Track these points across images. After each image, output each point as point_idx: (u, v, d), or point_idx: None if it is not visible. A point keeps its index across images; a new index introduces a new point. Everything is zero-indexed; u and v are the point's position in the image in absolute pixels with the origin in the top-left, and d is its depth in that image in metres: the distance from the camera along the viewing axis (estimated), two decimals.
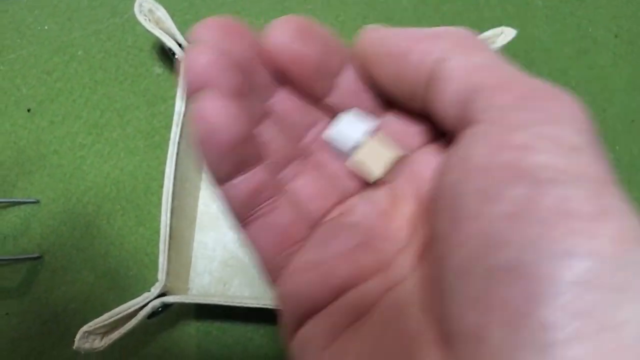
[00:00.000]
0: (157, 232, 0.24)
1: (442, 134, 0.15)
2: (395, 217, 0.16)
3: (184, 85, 0.13)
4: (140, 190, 0.28)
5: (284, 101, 0.16)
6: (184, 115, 0.24)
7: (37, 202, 0.28)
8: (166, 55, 0.30)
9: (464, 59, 0.13)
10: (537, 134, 0.11)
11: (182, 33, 0.26)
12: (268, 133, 0.15)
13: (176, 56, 0.25)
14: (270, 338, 0.26)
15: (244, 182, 0.15)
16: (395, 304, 0.14)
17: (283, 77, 0.15)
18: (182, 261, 0.25)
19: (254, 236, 0.16)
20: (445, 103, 0.13)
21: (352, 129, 0.16)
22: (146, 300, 0.22)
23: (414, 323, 0.13)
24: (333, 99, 0.16)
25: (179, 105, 0.24)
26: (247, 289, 0.26)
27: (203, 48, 0.13)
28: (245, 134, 0.13)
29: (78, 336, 0.22)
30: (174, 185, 0.24)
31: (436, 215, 0.12)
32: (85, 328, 0.22)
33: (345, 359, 0.13)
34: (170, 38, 0.25)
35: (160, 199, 0.24)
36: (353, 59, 0.15)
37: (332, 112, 0.16)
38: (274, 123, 0.16)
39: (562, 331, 0.09)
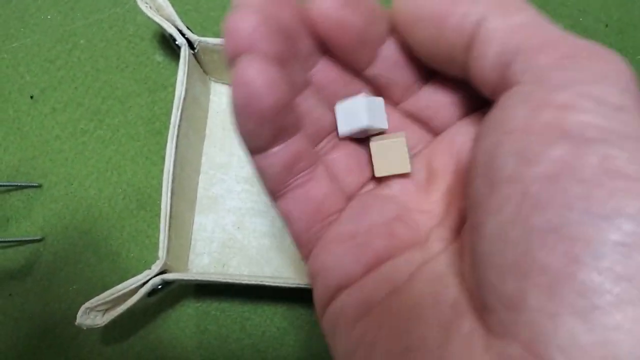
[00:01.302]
0: (158, 215, 0.24)
1: (483, 105, 0.15)
2: (432, 191, 0.15)
3: (225, 49, 0.13)
4: (141, 174, 0.29)
5: (325, 71, 0.15)
6: (185, 100, 0.25)
7: (39, 186, 0.28)
8: (167, 44, 0.31)
9: (504, 19, 0.12)
10: (579, 93, 0.10)
11: (183, 21, 0.26)
12: (308, 103, 0.15)
13: (177, 42, 0.26)
14: (267, 317, 0.26)
15: (281, 151, 0.14)
16: (430, 277, 0.13)
17: (325, 46, 0.15)
18: (182, 242, 0.26)
19: (288, 208, 0.15)
20: (486, 67, 0.12)
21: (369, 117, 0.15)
22: (147, 277, 0.23)
23: (449, 296, 0.12)
24: (374, 69, 0.15)
25: (180, 90, 0.25)
26: (246, 269, 0.26)
27: (246, 12, 0.12)
28: (286, 101, 0.13)
29: (80, 312, 0.22)
30: (174, 166, 0.24)
31: (472, 182, 0.12)
32: (87, 304, 0.22)
33: (378, 332, 0.13)
34: (171, 25, 0.26)
35: (160, 183, 0.24)
36: (393, 26, 0.15)
37: (373, 84, 0.16)
38: (314, 93, 0.15)
39: (603, 296, 0.09)
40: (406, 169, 0.15)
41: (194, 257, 0.27)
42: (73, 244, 0.28)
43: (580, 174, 0.10)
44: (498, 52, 0.12)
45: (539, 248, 0.10)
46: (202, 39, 0.26)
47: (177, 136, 0.24)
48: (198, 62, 0.27)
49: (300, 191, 0.15)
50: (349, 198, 0.16)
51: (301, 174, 0.15)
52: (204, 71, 0.28)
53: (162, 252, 0.23)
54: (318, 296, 0.15)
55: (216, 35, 0.30)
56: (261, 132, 0.13)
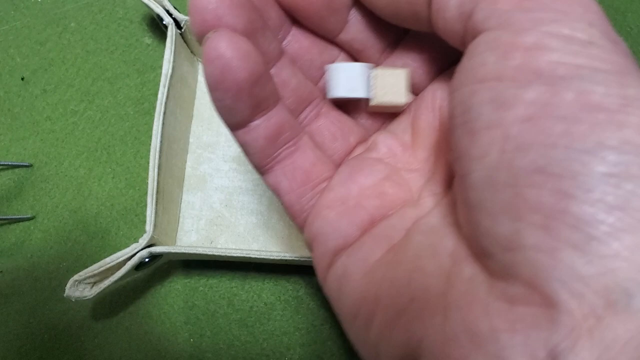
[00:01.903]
0: (146, 194, 0.25)
1: (460, 57, 0.15)
2: (419, 149, 0.15)
3: (192, 27, 0.13)
4: (130, 154, 0.29)
5: (298, 41, 0.15)
6: (172, 78, 0.25)
7: (30, 165, 0.29)
8: (155, 27, 0.31)
9: None
10: (546, 33, 0.10)
11: (170, 1, 0.27)
12: (283, 73, 0.15)
13: (164, 22, 0.26)
14: (254, 293, 0.27)
15: (262, 125, 0.14)
16: (426, 230, 0.13)
17: (294, 16, 0.14)
18: (170, 218, 0.26)
19: (276, 181, 0.15)
20: (449, 20, 0.12)
21: (353, 80, 0.15)
22: (134, 250, 0.23)
23: (447, 246, 0.12)
24: (347, 35, 0.15)
25: (166, 67, 0.25)
26: (234, 246, 0.27)
27: None
28: (261, 71, 0.13)
29: (68, 285, 0.23)
30: (161, 143, 0.24)
31: (453, 133, 0.12)
32: (75, 277, 0.23)
33: (380, 288, 0.13)
34: (158, 5, 0.26)
35: (149, 162, 0.25)
36: None
37: (348, 49, 0.16)
38: (289, 63, 0.15)
39: (598, 227, 0.09)
40: (401, 100, 0.15)
41: (182, 235, 0.27)
42: (63, 222, 0.28)
43: (558, 111, 0.10)
44: (458, 3, 0.12)
45: (528, 188, 0.10)
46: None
47: (164, 113, 0.25)
48: (185, 42, 0.28)
49: (287, 162, 0.15)
50: (337, 165, 0.16)
51: (286, 146, 0.15)
52: (192, 52, 0.29)
53: (149, 226, 0.24)
54: (318, 261, 0.15)
55: None
56: (239, 106, 0.13)
